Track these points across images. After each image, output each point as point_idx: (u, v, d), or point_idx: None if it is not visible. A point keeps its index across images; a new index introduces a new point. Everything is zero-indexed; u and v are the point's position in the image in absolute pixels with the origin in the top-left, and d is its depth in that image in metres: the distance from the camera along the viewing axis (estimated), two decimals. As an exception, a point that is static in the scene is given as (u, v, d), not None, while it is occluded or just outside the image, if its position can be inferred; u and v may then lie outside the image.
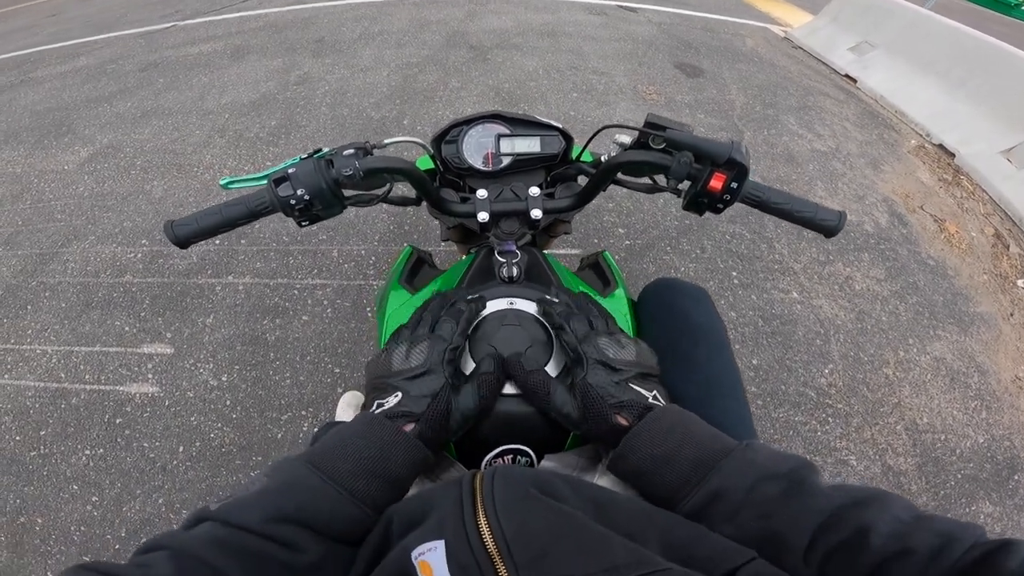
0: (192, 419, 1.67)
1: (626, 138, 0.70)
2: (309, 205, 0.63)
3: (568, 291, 0.64)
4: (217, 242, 2.22)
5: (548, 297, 0.62)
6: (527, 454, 0.56)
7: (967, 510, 1.56)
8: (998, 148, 2.84)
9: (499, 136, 0.80)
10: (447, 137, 0.83)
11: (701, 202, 0.65)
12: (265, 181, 0.63)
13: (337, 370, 1.78)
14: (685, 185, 0.66)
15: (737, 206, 0.65)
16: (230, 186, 0.69)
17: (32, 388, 1.77)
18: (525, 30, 4.22)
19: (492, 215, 0.73)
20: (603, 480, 0.52)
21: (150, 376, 1.78)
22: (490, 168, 0.81)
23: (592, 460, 0.57)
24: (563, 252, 2.10)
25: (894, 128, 3.28)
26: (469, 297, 0.61)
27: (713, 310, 0.73)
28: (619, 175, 0.73)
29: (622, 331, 0.58)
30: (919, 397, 1.81)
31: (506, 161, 0.81)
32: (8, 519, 1.49)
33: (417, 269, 0.86)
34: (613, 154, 0.70)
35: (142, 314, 1.98)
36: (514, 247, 0.71)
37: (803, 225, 0.66)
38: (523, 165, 0.82)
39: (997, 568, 0.29)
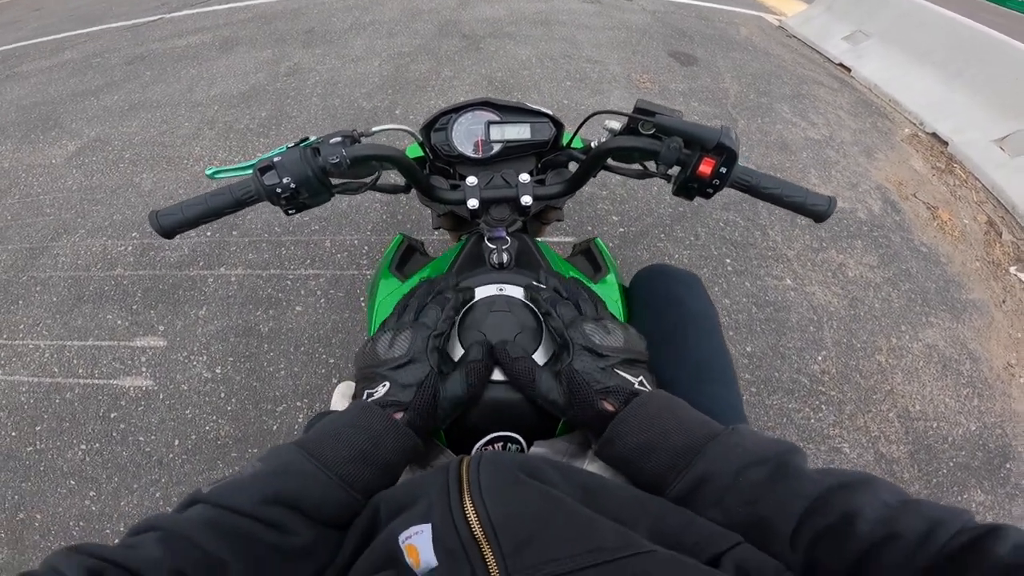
0: (187, 412, 1.67)
1: (616, 124, 0.70)
2: (295, 193, 0.63)
3: (558, 276, 0.64)
4: (208, 233, 2.20)
5: (535, 283, 0.62)
6: (517, 441, 0.56)
7: (959, 498, 1.57)
8: (991, 136, 2.84)
9: (489, 123, 0.79)
10: (436, 125, 0.82)
11: (691, 187, 0.65)
12: (251, 171, 0.63)
13: (331, 360, 1.78)
14: (675, 170, 0.66)
15: (730, 193, 0.65)
16: (216, 176, 0.69)
17: (26, 383, 1.76)
18: (518, 19, 4.18)
19: (482, 202, 0.73)
20: (593, 467, 0.52)
21: (144, 369, 1.78)
22: (480, 155, 0.80)
23: (582, 447, 0.57)
24: (556, 240, 2.09)
25: (888, 117, 3.28)
26: (456, 283, 0.61)
27: (705, 296, 0.73)
28: (609, 161, 0.72)
29: (611, 316, 0.58)
30: (911, 384, 1.82)
31: (496, 148, 0.80)
32: (7, 515, 1.48)
33: (408, 257, 0.85)
34: (603, 140, 0.70)
35: (134, 307, 1.97)
36: (504, 233, 0.71)
37: (793, 210, 0.66)
38: (513, 152, 0.81)
39: (985, 553, 0.29)
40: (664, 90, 3.26)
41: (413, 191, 0.82)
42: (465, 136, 0.81)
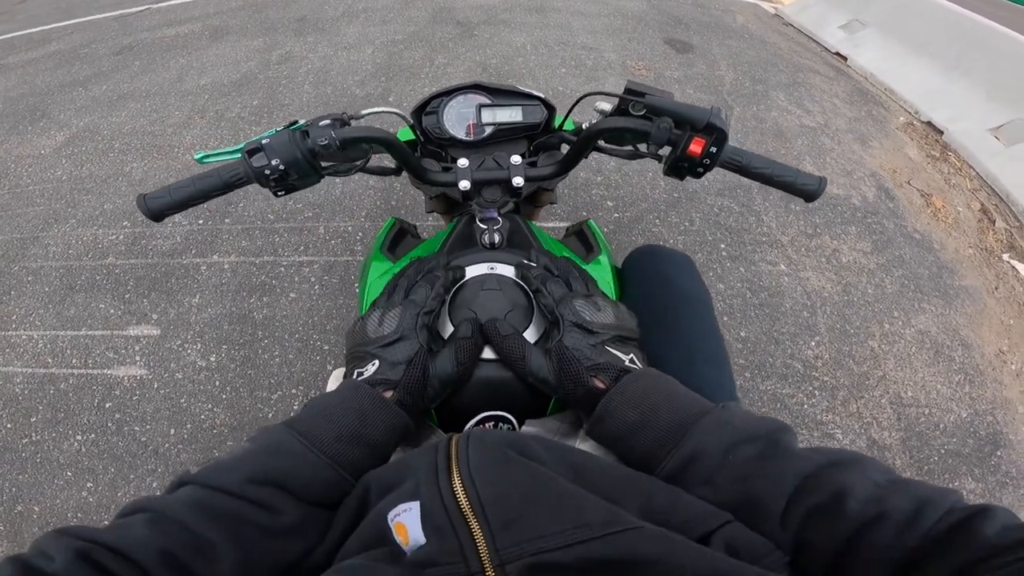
0: (182, 401, 1.66)
1: (607, 105, 0.70)
2: (284, 175, 0.62)
3: (549, 254, 0.63)
4: (201, 222, 2.19)
5: (526, 261, 0.62)
6: (508, 421, 0.56)
7: (950, 486, 1.59)
8: (987, 126, 2.85)
9: (480, 106, 0.79)
10: (427, 108, 0.82)
11: (681, 167, 0.65)
12: (239, 155, 0.63)
13: (326, 347, 1.78)
14: (665, 151, 0.66)
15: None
16: (205, 160, 0.69)
17: (20, 375, 1.75)
18: (512, 5, 4.13)
19: (474, 183, 0.72)
20: (584, 446, 0.52)
21: (138, 359, 1.77)
22: (472, 138, 0.80)
23: (574, 426, 0.57)
24: (551, 225, 2.09)
25: (883, 105, 3.27)
26: (446, 262, 0.61)
27: (697, 277, 0.73)
28: (600, 142, 0.72)
29: (602, 294, 0.58)
30: (904, 370, 1.83)
31: (488, 131, 0.80)
32: (5, 508, 1.48)
33: (400, 239, 0.85)
34: (594, 122, 0.69)
35: (127, 296, 1.96)
36: (496, 214, 0.71)
37: (783, 189, 0.67)
38: (505, 135, 0.81)
39: (974, 534, 0.29)
40: (659, 77, 3.24)
41: (405, 174, 0.82)
42: (456, 119, 0.81)
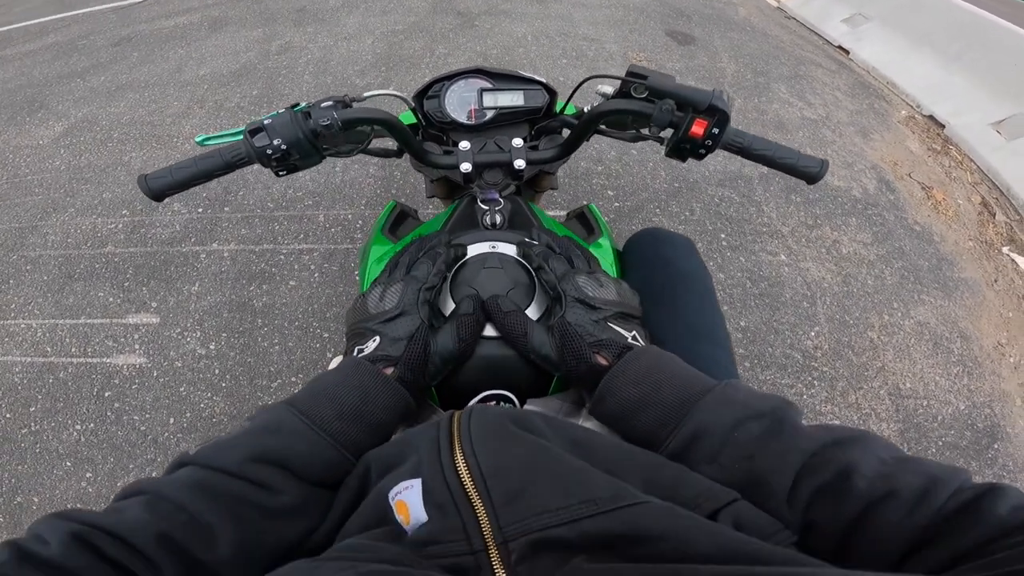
0: (181, 389, 1.66)
1: (608, 88, 0.70)
2: (286, 155, 0.63)
3: (551, 233, 0.63)
4: (200, 210, 2.18)
5: (528, 239, 0.61)
6: (510, 399, 0.56)
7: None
8: (989, 120, 2.85)
9: (482, 90, 0.79)
10: (429, 93, 0.82)
11: (683, 148, 0.65)
12: (241, 136, 0.63)
13: (326, 335, 1.78)
14: (667, 133, 0.66)
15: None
16: (206, 143, 0.69)
17: (19, 364, 1.75)
18: (514, -4, 4.11)
19: (475, 166, 0.72)
20: (587, 424, 0.51)
21: (137, 347, 1.77)
22: (473, 122, 0.80)
23: (576, 404, 0.56)
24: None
25: (885, 99, 3.26)
26: (448, 240, 0.60)
27: (698, 258, 0.73)
28: (602, 125, 0.72)
29: (604, 272, 0.58)
30: (902, 362, 1.83)
31: (489, 115, 0.80)
32: (4, 499, 1.48)
33: (400, 222, 0.85)
34: (596, 105, 0.69)
35: (126, 284, 1.95)
36: (497, 195, 0.70)
37: (785, 171, 0.66)
38: (507, 119, 0.81)
39: (984, 513, 0.29)
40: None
41: (406, 158, 0.82)
42: (458, 104, 0.80)
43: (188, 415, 1.61)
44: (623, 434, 0.47)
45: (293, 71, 3.11)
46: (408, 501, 0.35)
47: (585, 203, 0.88)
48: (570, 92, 0.79)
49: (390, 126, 0.66)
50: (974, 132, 2.86)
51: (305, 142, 0.62)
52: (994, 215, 2.47)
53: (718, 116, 0.61)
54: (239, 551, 0.36)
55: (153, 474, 1.49)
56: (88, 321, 1.85)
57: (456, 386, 0.56)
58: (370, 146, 0.75)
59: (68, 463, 1.54)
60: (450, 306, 0.56)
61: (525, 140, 0.75)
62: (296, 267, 1.98)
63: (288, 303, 1.87)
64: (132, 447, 1.56)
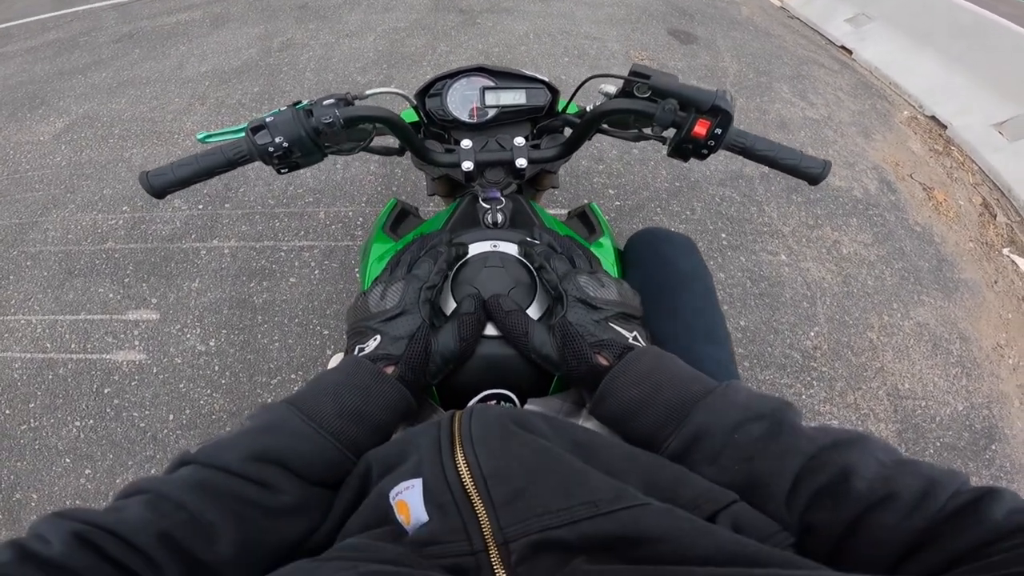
0: (181, 386, 1.66)
1: (611, 88, 0.70)
2: (288, 152, 0.62)
3: (552, 232, 0.63)
4: (200, 207, 2.18)
5: (529, 238, 0.61)
6: (511, 399, 0.56)
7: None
8: (991, 121, 2.84)
9: (484, 89, 0.79)
10: (431, 91, 0.81)
11: (686, 148, 0.65)
12: (242, 133, 0.63)
13: (326, 332, 1.78)
14: (670, 132, 0.66)
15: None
16: (207, 140, 0.69)
17: (19, 360, 1.75)
18: (515, -7, 4.10)
19: (477, 164, 0.72)
20: (588, 425, 0.51)
21: (137, 343, 1.77)
22: (475, 120, 0.80)
23: (577, 405, 0.56)
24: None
25: (887, 99, 3.26)
26: (449, 239, 0.60)
27: (699, 258, 0.73)
28: (605, 125, 0.72)
29: (605, 272, 0.58)
30: (901, 362, 1.83)
31: (491, 113, 0.80)
32: (3, 496, 1.48)
33: (401, 220, 0.85)
34: (598, 104, 0.69)
35: (126, 280, 1.95)
36: (499, 194, 0.70)
37: (788, 172, 0.66)
38: (509, 117, 0.81)
39: (982, 516, 0.29)
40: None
41: (407, 156, 0.82)
42: (460, 102, 0.80)
43: (188, 412, 1.61)
44: (623, 434, 0.47)
45: (295, 68, 3.11)
46: (409, 501, 0.35)
47: (586, 202, 0.88)
48: (572, 91, 0.79)
49: (392, 124, 0.66)
50: (976, 133, 2.85)
51: (307, 140, 0.62)
52: (995, 216, 2.47)
53: (721, 116, 0.61)
54: (240, 550, 0.36)
55: (152, 471, 1.50)
56: (88, 317, 1.85)
57: (457, 385, 0.56)
58: (372, 144, 0.74)
59: (67, 459, 1.53)
60: (451, 305, 0.56)
61: (527, 139, 0.75)
62: (296, 264, 1.98)
63: (288, 300, 1.87)
64: (131, 444, 1.56)
